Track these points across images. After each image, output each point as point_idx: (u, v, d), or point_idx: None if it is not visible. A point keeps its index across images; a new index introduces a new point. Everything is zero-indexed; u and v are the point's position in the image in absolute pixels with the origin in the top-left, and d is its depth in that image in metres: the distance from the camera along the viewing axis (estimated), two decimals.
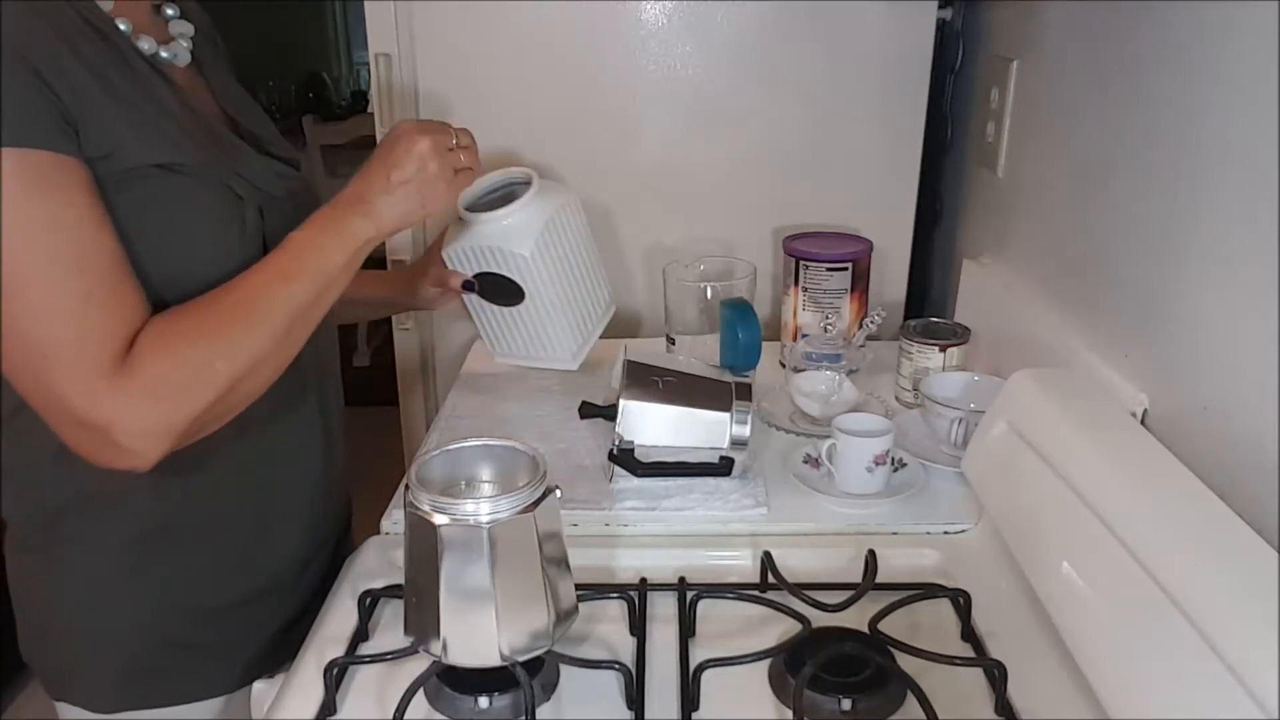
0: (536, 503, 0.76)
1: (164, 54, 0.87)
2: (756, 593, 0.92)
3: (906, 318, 1.51)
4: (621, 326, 1.57)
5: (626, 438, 1.08)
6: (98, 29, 0.80)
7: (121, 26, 0.83)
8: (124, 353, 0.75)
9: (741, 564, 0.99)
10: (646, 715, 0.78)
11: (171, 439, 0.77)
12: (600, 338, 1.52)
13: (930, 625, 0.88)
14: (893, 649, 0.82)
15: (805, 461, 1.12)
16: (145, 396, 0.76)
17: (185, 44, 0.91)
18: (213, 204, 0.84)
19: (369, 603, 0.91)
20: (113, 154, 0.77)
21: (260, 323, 0.81)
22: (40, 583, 0.94)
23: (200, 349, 0.79)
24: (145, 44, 0.85)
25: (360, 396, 1.10)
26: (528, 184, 1.21)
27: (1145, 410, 0.94)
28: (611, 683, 0.82)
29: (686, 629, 0.87)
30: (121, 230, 0.78)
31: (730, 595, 0.92)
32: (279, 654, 0.99)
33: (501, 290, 1.23)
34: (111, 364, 0.74)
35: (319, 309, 0.87)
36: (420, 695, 0.78)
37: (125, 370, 0.75)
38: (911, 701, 0.77)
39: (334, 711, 0.80)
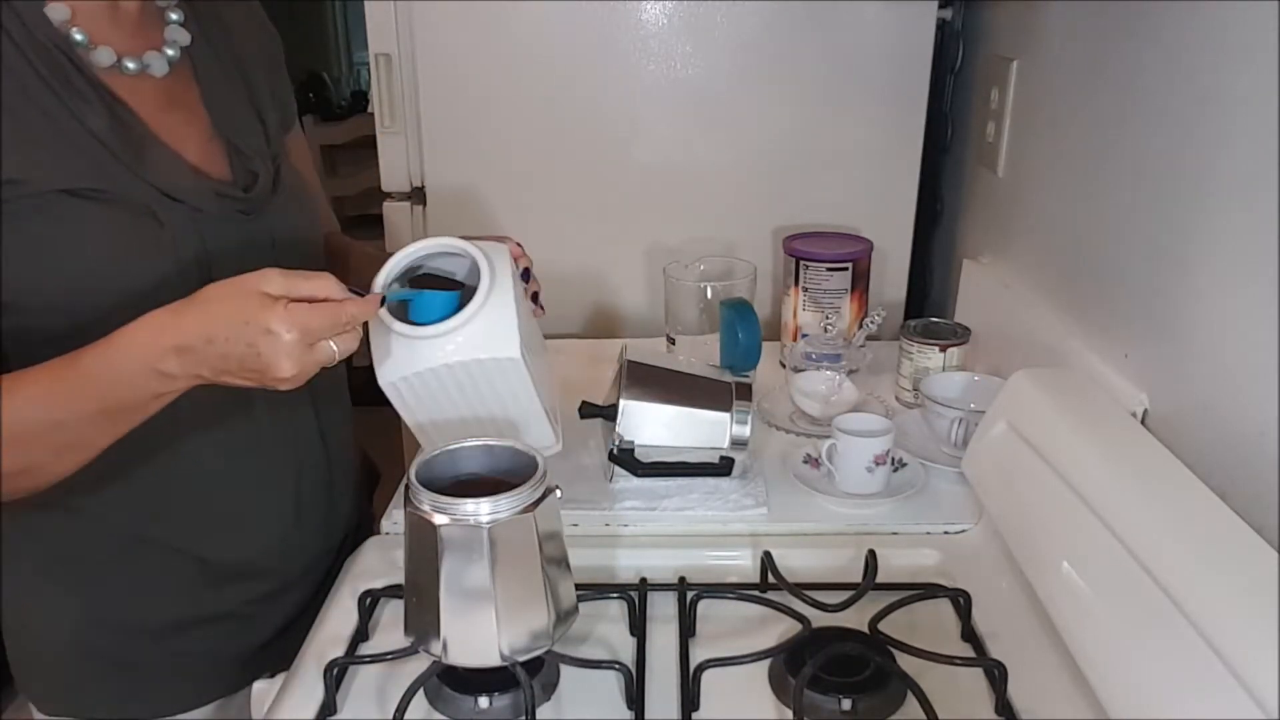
0: (536, 503, 0.76)
1: (130, 65, 0.85)
2: (756, 593, 0.92)
3: (906, 318, 1.51)
4: (621, 326, 1.57)
5: (626, 438, 1.08)
6: (39, 41, 0.79)
7: (77, 37, 0.81)
8: None
9: (741, 564, 0.99)
10: (646, 715, 0.78)
11: None
12: (599, 338, 1.52)
13: (930, 625, 0.88)
14: (893, 649, 0.82)
15: (805, 461, 1.12)
16: None
17: (170, 52, 0.88)
18: (123, 228, 0.82)
19: (369, 603, 0.90)
20: (27, 179, 0.77)
21: (13, 444, 0.75)
22: None
23: None
24: (104, 55, 0.83)
25: (360, 396, 1.09)
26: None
27: (1145, 410, 0.94)
28: (611, 683, 0.82)
29: (686, 629, 0.87)
30: (23, 254, 0.78)
31: (730, 595, 0.92)
32: (239, 678, 0.97)
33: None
34: None
35: (102, 438, 0.78)
36: (420, 695, 0.78)
37: None
38: (911, 701, 0.77)
39: (334, 711, 0.80)
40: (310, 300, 0.74)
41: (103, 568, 0.92)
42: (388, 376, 0.88)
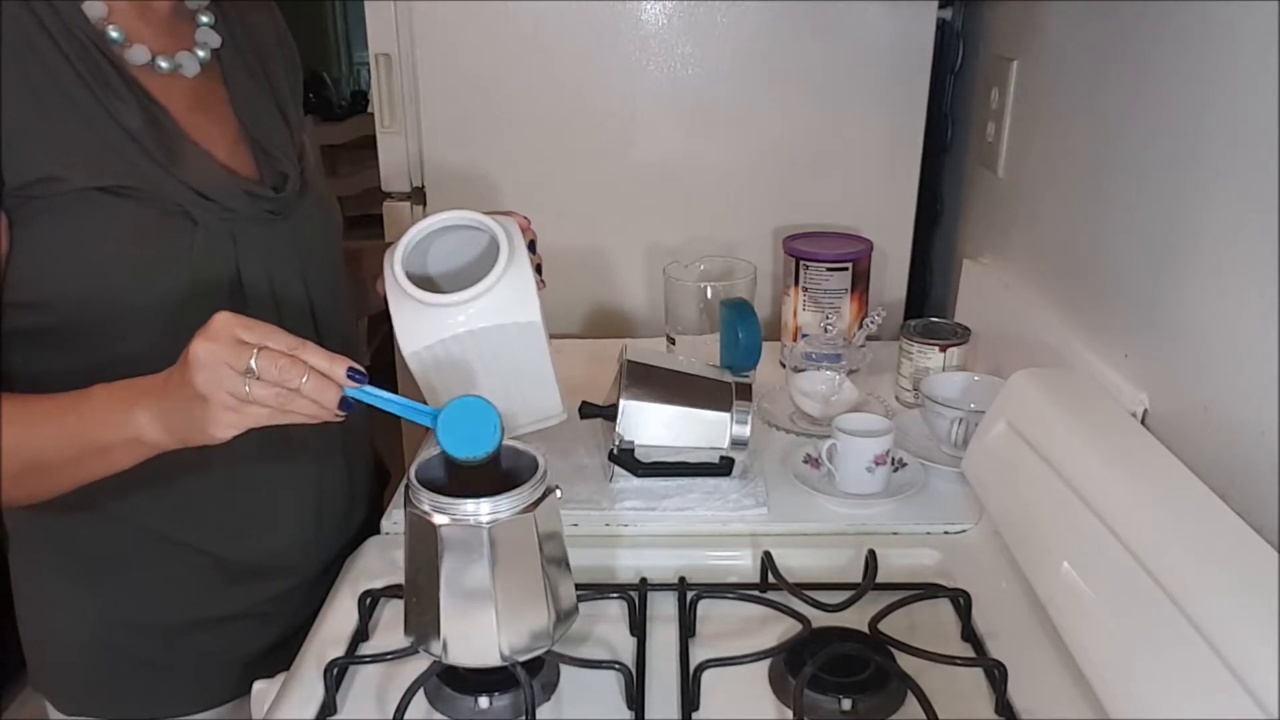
0: (536, 503, 0.76)
1: (163, 64, 0.85)
2: (756, 593, 0.92)
3: (906, 318, 1.51)
4: (621, 326, 1.57)
5: (626, 438, 1.08)
6: (77, 37, 0.79)
7: (113, 34, 0.82)
8: None
9: (741, 564, 0.99)
10: (646, 715, 0.78)
11: None
12: (599, 338, 1.52)
13: (930, 625, 0.88)
14: (893, 649, 0.82)
15: (805, 461, 1.12)
16: None
17: (202, 54, 0.88)
18: (158, 226, 0.82)
19: (369, 603, 0.90)
20: (63, 176, 0.77)
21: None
22: (15, 576, 0.96)
23: None
24: (139, 53, 0.83)
25: None
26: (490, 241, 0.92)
27: (1145, 410, 0.94)
28: (611, 683, 0.82)
29: (686, 629, 0.87)
30: (58, 251, 0.78)
31: (730, 595, 0.92)
32: (246, 681, 0.96)
33: None
34: None
35: (70, 474, 0.79)
36: (420, 695, 0.78)
37: None
38: (911, 701, 0.77)
39: (334, 711, 0.80)
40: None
41: (124, 567, 0.92)
42: (412, 346, 0.89)
